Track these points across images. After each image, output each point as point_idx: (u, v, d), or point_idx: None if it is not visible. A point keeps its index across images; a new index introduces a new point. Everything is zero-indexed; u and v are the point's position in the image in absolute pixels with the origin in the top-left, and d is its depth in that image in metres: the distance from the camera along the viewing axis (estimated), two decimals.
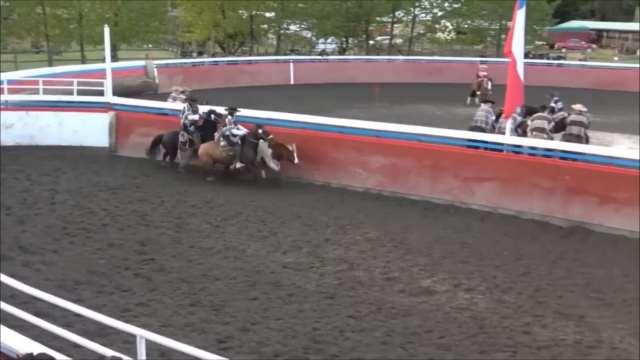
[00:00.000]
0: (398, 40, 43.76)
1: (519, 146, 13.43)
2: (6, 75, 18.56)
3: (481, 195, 12.57)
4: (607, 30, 61.94)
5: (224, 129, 13.84)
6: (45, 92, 17.15)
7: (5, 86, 17.00)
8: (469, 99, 25.57)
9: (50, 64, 31.29)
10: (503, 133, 13.56)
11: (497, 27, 40.64)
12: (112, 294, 8.29)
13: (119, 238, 10.35)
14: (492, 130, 14.64)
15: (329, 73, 32.63)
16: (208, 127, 14.59)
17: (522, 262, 9.96)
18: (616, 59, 45.39)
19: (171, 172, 14.53)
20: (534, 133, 14.02)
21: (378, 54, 39.68)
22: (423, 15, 43.06)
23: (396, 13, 42.13)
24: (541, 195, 12.02)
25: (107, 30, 16.57)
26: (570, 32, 54.72)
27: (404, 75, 32.88)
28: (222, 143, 13.83)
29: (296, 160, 13.63)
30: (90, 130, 16.08)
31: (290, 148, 13.66)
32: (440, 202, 12.77)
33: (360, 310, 8.13)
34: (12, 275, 6.45)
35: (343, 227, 11.30)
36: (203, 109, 14.79)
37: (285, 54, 38.68)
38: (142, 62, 29.29)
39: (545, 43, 45.20)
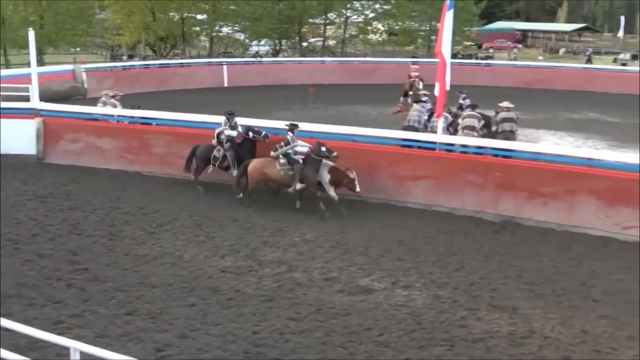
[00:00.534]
0: (331, 42, 44.13)
1: (451, 144, 13.76)
2: None
3: (416, 193, 12.80)
4: (532, 31, 64.25)
5: (287, 146, 12.45)
6: None
7: None
8: (402, 99, 25.98)
9: None
10: (435, 132, 13.86)
11: (427, 28, 41.50)
12: (43, 306, 8.02)
13: (49, 248, 10.02)
14: (425, 129, 14.94)
15: (262, 75, 32.56)
16: (246, 145, 13.51)
17: (457, 257, 10.20)
18: (541, 58, 47.08)
19: (103, 178, 14.14)
20: (465, 131, 14.39)
21: (311, 56, 39.86)
22: (355, 17, 43.55)
23: (328, 15, 42.47)
24: (473, 192, 12.34)
25: (31, 33, 16.02)
26: (497, 33, 56.48)
27: (338, 76, 33.16)
28: (281, 161, 12.38)
29: (358, 189, 12.21)
30: (16, 137, 15.47)
31: (352, 175, 12.20)
32: (376, 201, 12.92)
33: (300, 312, 8.14)
34: None
35: (281, 229, 11.30)
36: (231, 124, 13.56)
37: (218, 57, 38.36)
38: (70, 66, 28.45)
39: (473, 43, 46.45)
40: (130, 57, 38.37)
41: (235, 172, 13.25)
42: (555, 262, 10.07)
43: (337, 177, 12.34)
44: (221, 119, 13.75)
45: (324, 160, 12.30)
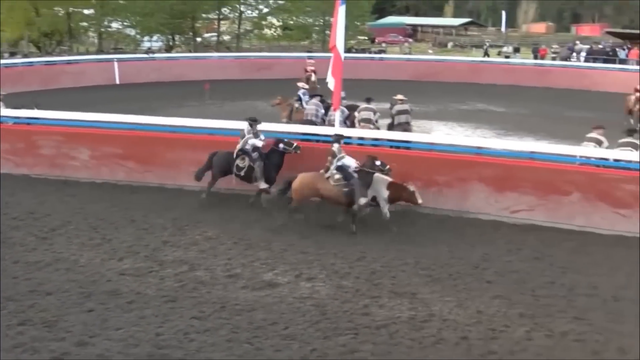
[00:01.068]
0: (226, 37, 43.68)
1: (349, 137, 13.98)
2: None
3: None
4: (421, 25, 66.45)
5: (335, 159, 11.25)
6: None
7: None
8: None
9: None
10: (333, 125, 14.05)
11: (321, 23, 41.95)
12: None
13: None
14: (323, 123, 15.12)
15: (156, 72, 31.74)
16: (274, 157, 12.50)
17: (358, 247, 10.39)
18: (430, 51, 48.74)
19: None
20: (362, 124, 14.71)
21: (206, 51, 39.28)
22: (249, 11, 43.37)
23: (222, 10, 42.00)
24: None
25: None
26: (389, 28, 57.97)
27: (234, 72, 32.85)
28: (337, 176, 11.19)
29: (420, 201, 11.31)
30: None
31: (411, 188, 11.33)
32: None
33: (204, 311, 8.03)
34: None
35: (181, 228, 11.08)
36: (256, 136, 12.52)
37: (108, 53, 37.03)
38: None
39: (366, 38, 47.45)
40: (12, 55, 36.29)
41: (262, 185, 12.37)
42: (451, 247, 10.49)
43: (396, 193, 11.39)
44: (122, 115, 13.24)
45: (378, 175, 11.38)
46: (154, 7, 38.23)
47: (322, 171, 11.33)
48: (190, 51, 39.75)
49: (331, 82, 13.57)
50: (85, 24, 39.38)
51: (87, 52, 38.60)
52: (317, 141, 13.60)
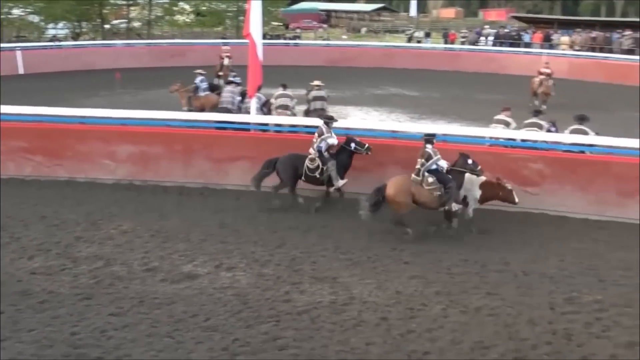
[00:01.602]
0: (136, 24, 42.39)
1: (266, 124, 13.94)
2: None
3: (234, 175, 12.81)
4: (335, 11, 66.73)
5: (430, 161, 10.45)
6: None
7: None
8: (215, 80, 25.77)
9: None
10: (249, 113, 13.95)
11: (234, 9, 41.39)
12: None
13: None
14: (239, 110, 14.99)
15: (64, 60, 30.45)
16: (343, 156, 11.84)
17: (278, 234, 10.41)
18: (345, 37, 49.09)
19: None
20: (279, 110, 14.68)
21: (116, 39, 38.04)
22: None
23: None
24: None
25: None
26: (303, 13, 57.95)
27: (146, 59, 32.03)
28: (429, 180, 10.39)
29: (517, 200, 10.80)
30: None
31: (509, 187, 10.80)
32: (195, 186, 12.76)
33: (122, 306, 7.84)
34: None
35: (95, 223, 10.74)
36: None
37: (10, 42, 35.19)
38: None
39: (280, 24, 47.24)
40: None
41: (340, 183, 11.69)
42: (370, 231, 10.65)
43: (490, 192, 10.86)
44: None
45: (469, 175, 10.77)
46: None
47: (413, 175, 10.52)
48: (94, 39, 38.35)
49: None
50: None
51: None
52: (234, 129, 13.47)
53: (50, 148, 13.09)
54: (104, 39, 38.17)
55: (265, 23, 37.22)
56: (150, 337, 7.15)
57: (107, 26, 40.80)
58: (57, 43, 33.64)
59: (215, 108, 16.33)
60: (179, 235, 10.24)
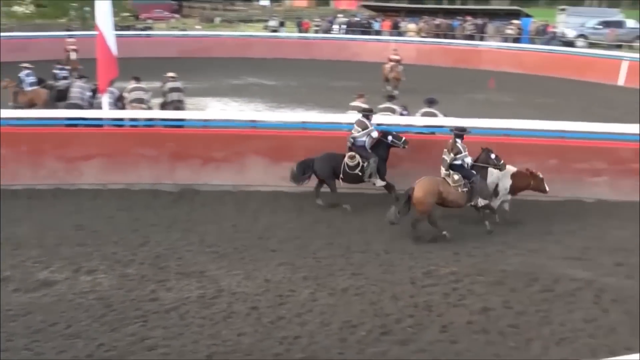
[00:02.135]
0: None
1: (121, 119, 13.40)
2: None
3: (89, 173, 12.21)
4: (187, 0, 65.26)
5: (458, 156, 10.16)
6: None
7: None
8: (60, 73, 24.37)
9: None
10: (101, 108, 13.34)
11: None
12: None
13: None
14: (90, 106, 14.30)
15: None
16: (380, 150, 11.33)
17: (139, 232, 10.08)
18: (198, 27, 48.21)
19: None
20: (133, 104, 14.17)
21: None
22: None
23: None
24: (148, 165, 12.24)
25: None
26: (153, 4, 56.08)
27: None
28: (455, 177, 10.04)
29: (547, 189, 10.67)
30: None
31: (540, 176, 10.66)
32: (46, 188, 12.01)
33: None
34: None
35: None
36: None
37: None
38: None
39: (130, 14, 45.52)
40: None
41: (379, 182, 11.28)
42: (235, 222, 10.61)
43: (522, 182, 10.73)
44: None
45: (492, 168, 10.51)
46: None
47: (443, 170, 10.25)
48: None
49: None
50: None
51: None
52: (86, 125, 12.83)
53: None
54: None
55: (115, 14, 35.79)
56: (6, 351, 6.69)
57: None
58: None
59: (46, 104, 15.48)
60: (31, 241, 9.61)
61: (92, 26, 13.25)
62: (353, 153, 11.23)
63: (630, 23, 36.22)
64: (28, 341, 6.90)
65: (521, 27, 35.15)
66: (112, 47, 12.87)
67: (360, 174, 11.21)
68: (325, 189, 11.49)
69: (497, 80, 23.13)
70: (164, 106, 15.08)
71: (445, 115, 13.17)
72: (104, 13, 12.79)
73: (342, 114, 13.64)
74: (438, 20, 37.98)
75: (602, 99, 22.69)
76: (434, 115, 12.91)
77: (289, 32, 40.08)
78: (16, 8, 40.21)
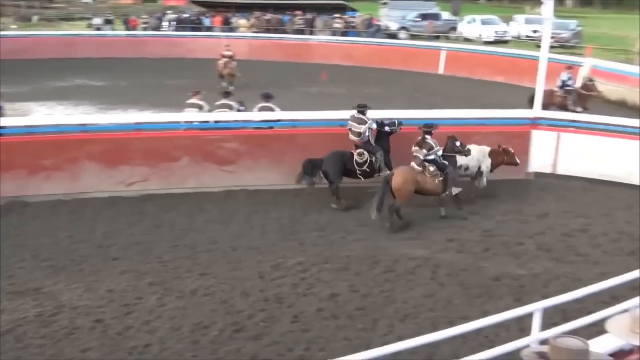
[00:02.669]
0: None
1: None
2: None
3: None
4: None
5: (431, 151, 10.56)
6: None
7: None
8: None
9: None
10: None
11: None
12: None
13: None
14: None
15: None
16: (383, 141, 11.60)
17: None
18: (14, 26, 44.78)
19: None
20: None
21: None
22: None
23: None
24: None
25: None
26: None
27: None
28: (431, 168, 10.51)
29: (518, 161, 11.74)
30: None
31: (511, 150, 11.67)
32: None
33: None
34: None
35: None
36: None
37: None
38: None
39: None
40: None
41: (387, 173, 10.99)
42: (70, 232, 10.04)
43: (497, 160, 11.74)
44: None
45: (476, 147, 11.46)
46: None
47: (412, 164, 10.63)
48: None
49: None
50: None
51: None
52: None
53: None
54: None
55: None
56: None
57: None
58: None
59: None
60: None
61: None
62: (361, 150, 11.39)
63: (445, 15, 38.90)
64: None
65: (349, 21, 36.50)
66: None
67: (367, 170, 11.42)
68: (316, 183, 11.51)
69: (329, 73, 23.82)
70: None
71: (282, 109, 13.37)
72: None
73: (178, 113, 13.37)
74: (268, 16, 38.33)
75: (425, 87, 24.20)
76: (271, 109, 13.05)
77: (116, 30, 38.43)
78: None
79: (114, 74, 26.67)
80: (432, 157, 10.66)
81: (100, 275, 8.53)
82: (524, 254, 9.30)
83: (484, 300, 7.89)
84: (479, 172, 11.71)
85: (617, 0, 53.69)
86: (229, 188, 11.92)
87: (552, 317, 6.44)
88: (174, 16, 39.65)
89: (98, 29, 38.38)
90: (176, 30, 36.98)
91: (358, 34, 34.86)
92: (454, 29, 36.90)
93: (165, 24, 38.12)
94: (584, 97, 17.44)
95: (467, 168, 11.66)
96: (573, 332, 4.57)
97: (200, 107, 13.34)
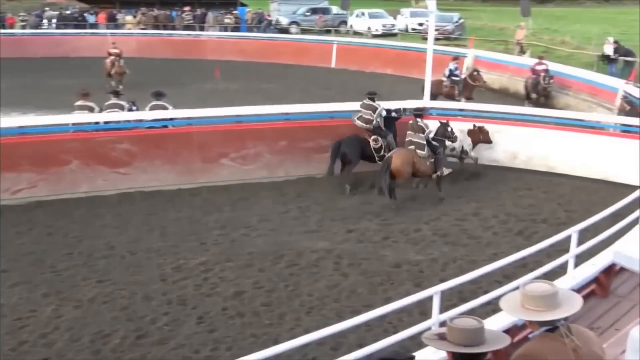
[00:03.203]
0: None
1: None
2: None
3: None
4: None
5: (424, 134, 11.29)
6: None
7: None
8: None
9: None
10: None
11: None
12: None
13: None
14: None
15: None
16: (391, 126, 12.25)
17: None
18: None
19: None
20: None
21: None
22: None
23: None
24: None
25: None
26: None
27: None
28: (423, 152, 11.20)
29: (492, 141, 12.65)
30: None
31: (486, 129, 12.57)
32: None
33: None
34: None
35: None
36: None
37: None
38: None
39: None
40: None
41: None
42: None
43: (474, 138, 12.53)
44: None
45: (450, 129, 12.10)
46: None
47: (410, 147, 11.29)
48: None
49: None
50: None
51: None
52: None
53: None
54: None
55: None
56: None
57: None
58: None
59: None
60: None
61: None
62: (376, 136, 12.01)
63: (335, 9, 39.43)
64: None
65: (239, 16, 36.22)
66: None
67: (385, 155, 11.69)
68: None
69: (222, 69, 23.54)
70: None
71: (175, 107, 13.10)
72: None
73: (66, 115, 12.77)
74: (156, 12, 37.37)
75: (319, 81, 24.45)
76: (164, 108, 12.75)
77: None
78: None
79: None
80: (426, 139, 11.35)
81: None
82: (421, 239, 9.63)
83: (386, 287, 8.10)
84: (464, 152, 12.60)
85: None
86: (124, 191, 11.56)
87: (450, 299, 6.73)
88: (54, 13, 37.84)
89: None
90: (58, 28, 35.30)
91: (250, 29, 34.70)
92: (344, 22, 37.44)
93: (45, 21, 36.31)
94: (470, 87, 18.26)
95: (453, 149, 12.53)
96: (470, 312, 4.79)
97: (90, 109, 12.78)
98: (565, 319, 3.00)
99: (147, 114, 12.69)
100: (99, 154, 11.66)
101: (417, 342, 4.90)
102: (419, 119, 11.48)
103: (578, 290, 5.89)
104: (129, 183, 11.69)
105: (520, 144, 12.82)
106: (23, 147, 11.31)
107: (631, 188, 9.24)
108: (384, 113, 12.28)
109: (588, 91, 18.28)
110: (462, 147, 12.61)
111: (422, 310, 6.59)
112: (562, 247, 6.55)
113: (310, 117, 13.16)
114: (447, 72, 18.48)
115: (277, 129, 12.74)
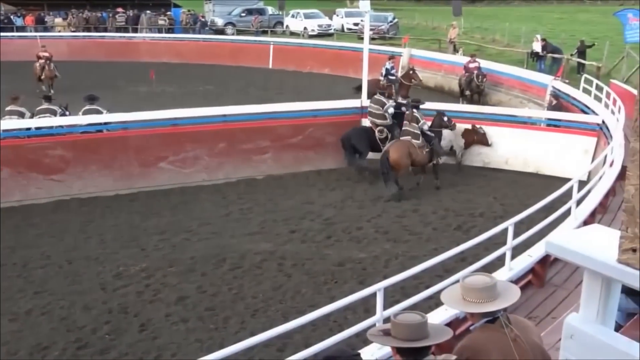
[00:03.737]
0: None
1: None
2: None
3: None
4: None
5: (419, 124, 11.74)
6: None
7: None
8: None
9: None
10: None
11: None
12: None
13: None
14: None
15: None
16: (399, 120, 12.41)
17: None
18: None
19: None
20: None
21: None
22: None
23: None
24: None
25: None
26: None
27: None
28: (418, 141, 11.63)
29: (490, 143, 12.71)
30: None
31: (482, 130, 12.65)
32: None
33: None
34: None
35: None
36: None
37: None
38: None
39: None
40: None
41: None
42: None
43: (469, 138, 12.70)
44: None
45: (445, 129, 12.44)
46: None
47: (405, 138, 11.65)
48: None
49: None
50: None
51: None
52: None
53: None
54: None
55: None
56: None
57: None
58: None
59: None
60: None
61: None
62: (381, 127, 12.52)
63: (270, 10, 39.33)
64: None
65: (173, 18, 35.69)
66: None
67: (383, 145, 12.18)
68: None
69: (157, 72, 23.16)
70: None
71: (110, 111, 12.82)
72: None
73: None
74: (86, 13, 36.43)
75: (256, 81, 24.36)
76: (98, 112, 12.45)
77: None
78: None
79: None
80: (420, 130, 11.71)
81: None
82: (364, 237, 9.73)
83: (330, 286, 8.15)
84: (452, 151, 12.90)
85: None
86: (60, 198, 11.25)
87: (393, 295, 6.83)
88: None
89: None
90: None
91: (185, 31, 34.24)
92: (279, 23, 37.41)
93: None
94: (406, 86, 18.55)
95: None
96: (413, 307, 4.86)
97: (21, 115, 12.36)
98: (505, 309, 3.09)
99: (80, 119, 12.36)
100: (31, 161, 11.30)
101: (362, 339, 4.96)
102: (415, 110, 11.94)
103: (516, 281, 6.09)
104: (64, 190, 11.38)
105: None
106: None
107: (563, 180, 9.60)
108: (391, 110, 12.69)
109: (519, 87, 18.88)
110: (452, 147, 12.93)
111: (366, 307, 6.66)
112: (499, 240, 6.75)
113: (249, 118, 13.10)
114: (383, 71, 18.71)
115: (215, 131, 12.63)
